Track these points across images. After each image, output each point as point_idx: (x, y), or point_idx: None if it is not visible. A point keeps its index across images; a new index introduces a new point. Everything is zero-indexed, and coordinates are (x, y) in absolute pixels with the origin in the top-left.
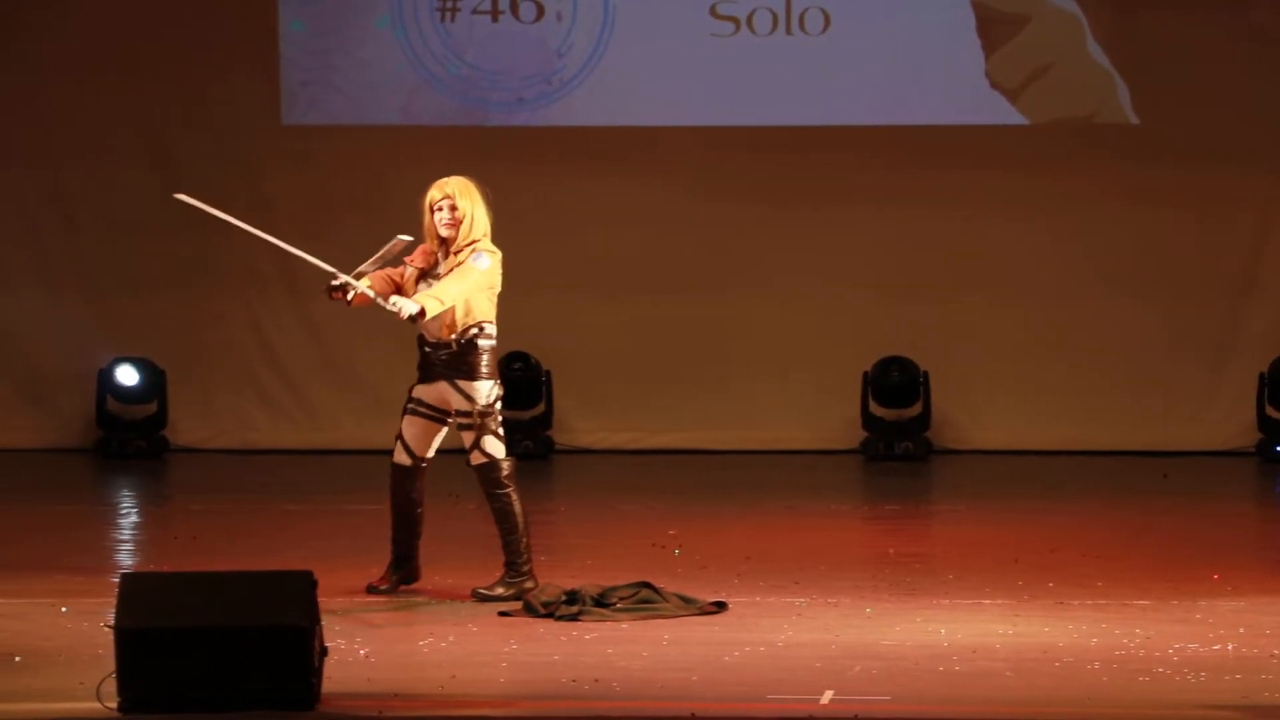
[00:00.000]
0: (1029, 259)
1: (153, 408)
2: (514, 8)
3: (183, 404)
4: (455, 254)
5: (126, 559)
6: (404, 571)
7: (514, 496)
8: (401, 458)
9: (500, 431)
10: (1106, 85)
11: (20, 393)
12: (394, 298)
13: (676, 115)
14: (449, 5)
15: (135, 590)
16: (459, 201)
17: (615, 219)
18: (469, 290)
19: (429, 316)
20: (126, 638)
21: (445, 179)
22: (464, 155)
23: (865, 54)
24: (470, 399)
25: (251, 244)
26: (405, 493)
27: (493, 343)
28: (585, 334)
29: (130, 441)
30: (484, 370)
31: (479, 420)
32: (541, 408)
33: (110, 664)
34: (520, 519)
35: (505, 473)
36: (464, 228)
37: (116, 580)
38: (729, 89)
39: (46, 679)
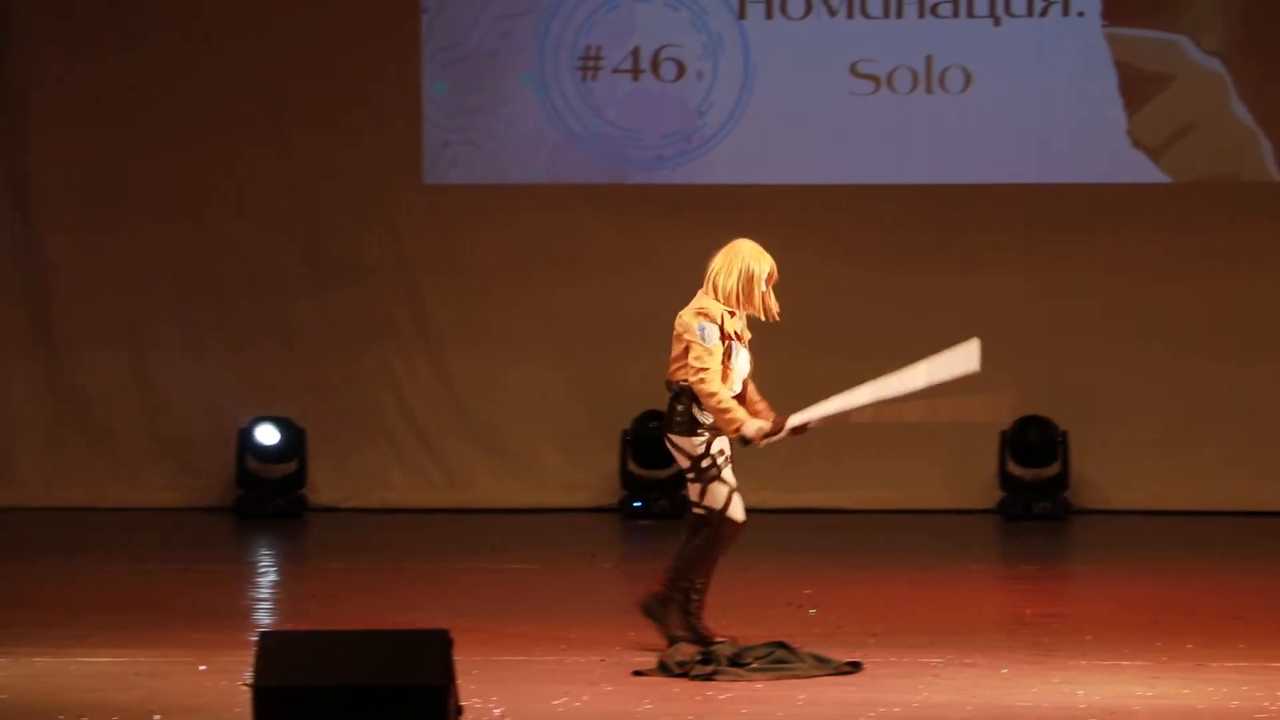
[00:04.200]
0: (1173, 317)
1: (292, 466)
2: (655, 66)
3: (321, 463)
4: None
5: (265, 618)
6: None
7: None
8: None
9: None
10: (1250, 144)
11: (162, 451)
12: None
13: (817, 173)
14: (590, 64)
15: (273, 649)
16: None
17: None
18: None
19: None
20: (265, 696)
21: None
22: (604, 213)
23: (1007, 112)
24: None
25: (389, 302)
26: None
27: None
28: None
29: (269, 500)
30: None
31: None
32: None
33: None
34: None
35: None
36: None
37: (255, 639)
38: (869, 147)
39: None
